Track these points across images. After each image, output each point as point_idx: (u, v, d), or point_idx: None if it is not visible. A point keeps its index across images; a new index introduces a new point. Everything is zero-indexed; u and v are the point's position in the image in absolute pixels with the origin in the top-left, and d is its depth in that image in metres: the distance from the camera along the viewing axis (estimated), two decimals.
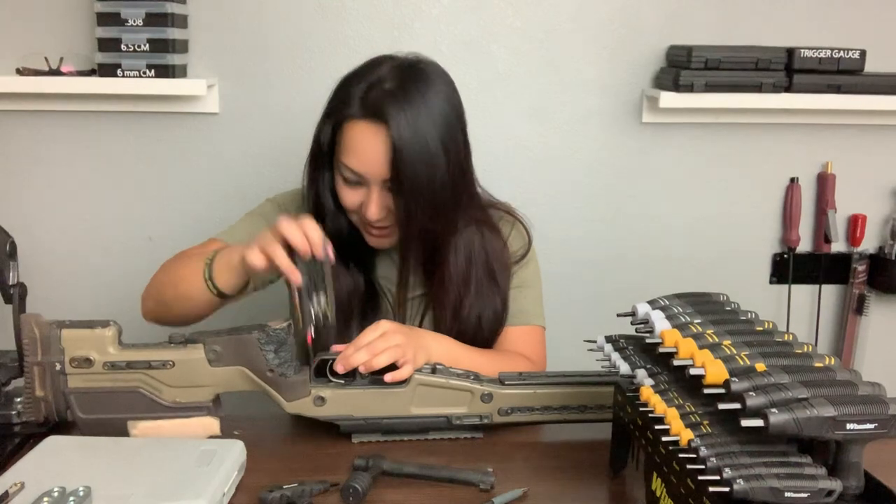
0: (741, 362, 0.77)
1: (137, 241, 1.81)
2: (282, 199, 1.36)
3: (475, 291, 1.26)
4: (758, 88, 1.72)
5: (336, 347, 1.08)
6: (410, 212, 1.16)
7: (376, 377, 1.07)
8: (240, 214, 1.36)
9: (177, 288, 1.17)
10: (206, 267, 1.13)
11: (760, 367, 0.77)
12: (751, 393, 0.72)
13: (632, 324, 0.90)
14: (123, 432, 1.02)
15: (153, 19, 1.59)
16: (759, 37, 1.77)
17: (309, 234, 1.04)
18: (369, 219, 1.18)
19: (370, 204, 1.17)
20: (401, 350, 1.06)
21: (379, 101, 1.13)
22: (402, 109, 1.13)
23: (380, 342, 1.06)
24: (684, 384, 0.83)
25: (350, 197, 1.20)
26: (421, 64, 1.19)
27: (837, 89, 1.74)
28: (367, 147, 1.14)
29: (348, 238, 1.25)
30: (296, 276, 1.04)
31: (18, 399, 1.06)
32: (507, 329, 1.30)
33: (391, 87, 1.15)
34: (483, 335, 1.27)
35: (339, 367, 1.05)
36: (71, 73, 1.65)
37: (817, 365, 0.79)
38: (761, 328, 0.87)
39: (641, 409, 0.85)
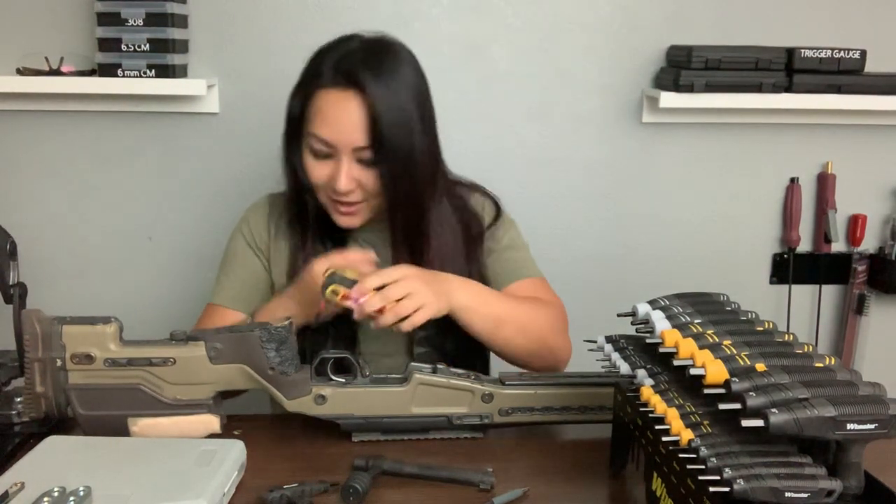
0: (741, 362, 0.77)
1: (137, 240, 1.81)
2: (251, 219, 1.33)
3: (453, 262, 1.24)
4: (758, 88, 1.72)
5: (351, 293, 1.05)
6: (394, 177, 1.17)
7: (377, 376, 1.07)
8: (239, 213, 1.36)
9: None
10: None
11: (760, 367, 0.77)
12: (751, 393, 0.72)
13: (632, 324, 0.91)
14: (124, 429, 1.02)
15: (153, 19, 1.59)
16: (759, 37, 1.77)
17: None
18: (339, 190, 1.17)
19: (340, 175, 1.16)
20: (420, 298, 1.06)
21: (353, 69, 1.15)
22: (377, 76, 1.14)
23: (395, 289, 1.05)
24: (684, 384, 0.83)
25: (318, 171, 1.19)
26: (387, 38, 1.22)
27: (837, 89, 1.74)
28: (340, 114, 1.15)
29: (324, 218, 1.25)
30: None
31: (18, 399, 1.06)
32: (512, 286, 1.29)
33: (363, 56, 1.17)
34: None
35: (356, 315, 1.05)
36: (71, 73, 1.65)
37: (817, 365, 0.79)
38: (761, 328, 0.87)
39: (641, 409, 0.85)
